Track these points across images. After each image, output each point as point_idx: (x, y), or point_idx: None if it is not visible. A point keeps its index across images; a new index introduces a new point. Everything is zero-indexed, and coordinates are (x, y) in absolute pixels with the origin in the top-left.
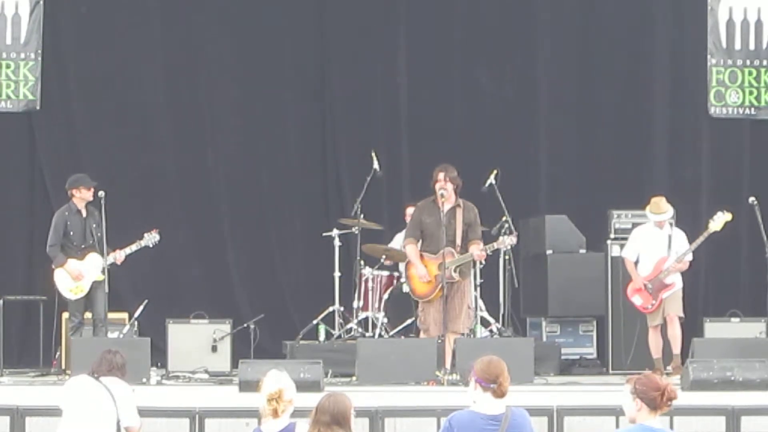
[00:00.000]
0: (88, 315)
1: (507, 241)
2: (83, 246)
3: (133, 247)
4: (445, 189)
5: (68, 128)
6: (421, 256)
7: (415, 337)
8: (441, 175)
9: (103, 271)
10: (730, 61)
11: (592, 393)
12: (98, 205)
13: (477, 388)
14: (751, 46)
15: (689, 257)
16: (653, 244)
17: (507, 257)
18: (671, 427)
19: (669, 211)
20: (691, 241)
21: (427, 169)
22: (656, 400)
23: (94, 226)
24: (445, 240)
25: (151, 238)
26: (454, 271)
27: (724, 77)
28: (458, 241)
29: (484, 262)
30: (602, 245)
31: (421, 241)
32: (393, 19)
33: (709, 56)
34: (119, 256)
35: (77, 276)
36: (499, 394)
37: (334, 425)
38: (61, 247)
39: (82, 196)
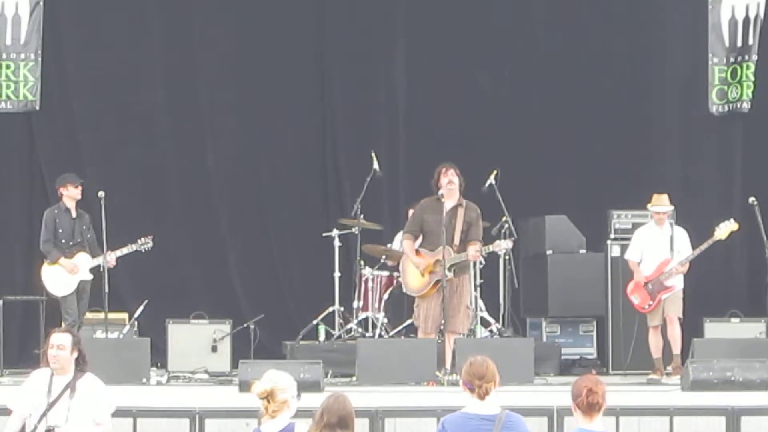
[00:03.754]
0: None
1: (503, 245)
2: (71, 243)
3: (125, 250)
4: (453, 182)
5: (68, 128)
6: (418, 252)
7: (415, 337)
8: (444, 169)
9: (93, 271)
10: (732, 59)
11: None
12: (97, 206)
13: (465, 390)
14: (750, 42)
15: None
16: (655, 245)
17: (507, 257)
18: (672, 427)
19: (668, 205)
20: (693, 240)
21: (427, 169)
22: (581, 405)
23: (84, 228)
24: (444, 239)
25: (143, 243)
26: (449, 270)
27: (727, 75)
28: (456, 241)
29: (483, 262)
30: (602, 245)
31: (421, 238)
32: (393, 19)
33: (710, 54)
34: (110, 258)
35: (72, 269)
36: (481, 395)
37: (341, 428)
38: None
39: (69, 195)
